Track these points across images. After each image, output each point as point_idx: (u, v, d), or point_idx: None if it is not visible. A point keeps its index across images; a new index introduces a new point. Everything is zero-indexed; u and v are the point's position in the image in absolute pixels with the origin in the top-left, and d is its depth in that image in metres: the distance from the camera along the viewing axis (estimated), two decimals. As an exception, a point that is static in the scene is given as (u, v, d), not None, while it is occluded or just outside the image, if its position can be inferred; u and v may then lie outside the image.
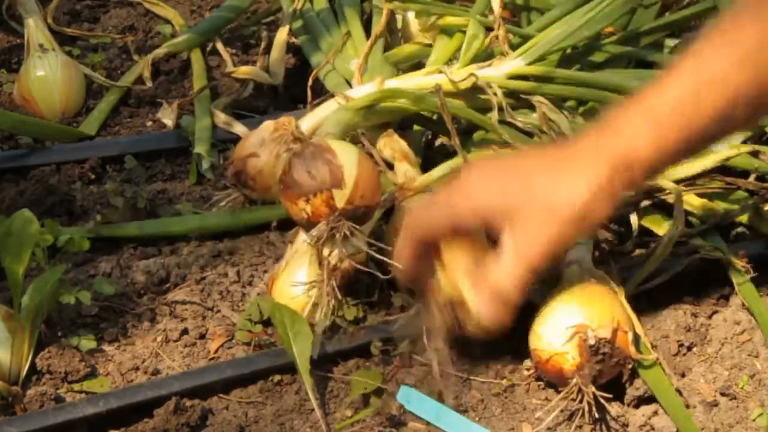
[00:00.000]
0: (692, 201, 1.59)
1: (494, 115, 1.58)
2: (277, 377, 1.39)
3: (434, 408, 1.34)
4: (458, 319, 1.28)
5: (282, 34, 1.96)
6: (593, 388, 1.30)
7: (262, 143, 1.58)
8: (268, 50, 2.00)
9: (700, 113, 1.16)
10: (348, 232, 1.34)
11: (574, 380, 1.31)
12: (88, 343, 1.41)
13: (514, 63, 1.66)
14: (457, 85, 1.62)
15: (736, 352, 1.44)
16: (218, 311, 1.49)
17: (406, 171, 1.55)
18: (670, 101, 1.17)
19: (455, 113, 1.57)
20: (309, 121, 1.63)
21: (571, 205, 1.18)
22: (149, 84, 1.93)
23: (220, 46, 2.03)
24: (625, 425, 1.34)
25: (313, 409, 1.34)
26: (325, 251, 1.35)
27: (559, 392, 1.35)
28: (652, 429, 1.34)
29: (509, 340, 1.43)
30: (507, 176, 1.21)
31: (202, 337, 1.45)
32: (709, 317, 1.49)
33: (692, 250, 1.52)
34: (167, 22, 2.15)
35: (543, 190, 1.18)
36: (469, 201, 1.22)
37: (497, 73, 1.65)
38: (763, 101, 1.17)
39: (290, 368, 1.38)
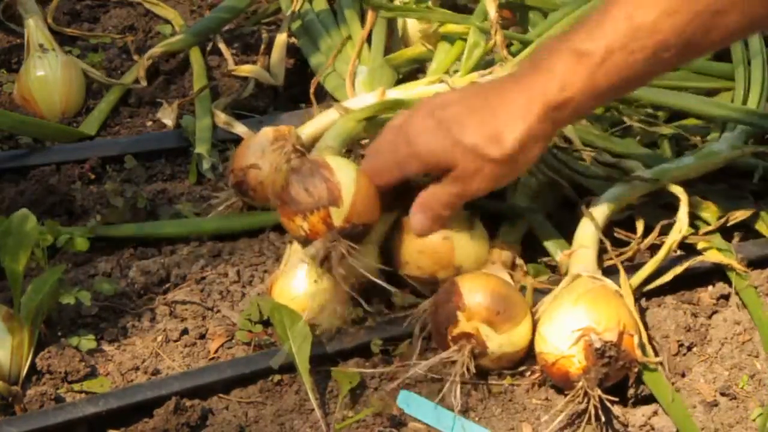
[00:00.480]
0: (697, 204, 1.59)
1: None
2: (277, 377, 1.39)
3: (434, 411, 1.34)
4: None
5: (282, 36, 1.96)
6: (599, 392, 1.30)
7: (262, 153, 1.58)
8: (268, 51, 2.00)
9: (631, 60, 1.22)
10: (345, 251, 1.34)
11: (580, 383, 1.31)
12: (88, 343, 1.41)
13: None
14: None
15: (736, 352, 1.44)
16: (218, 311, 1.49)
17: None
18: (602, 48, 1.23)
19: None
20: (309, 129, 1.63)
21: (501, 152, 1.29)
22: (144, 83, 1.93)
23: (222, 45, 2.03)
24: (625, 425, 1.34)
25: (313, 409, 1.34)
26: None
27: (561, 394, 1.36)
28: (652, 429, 1.34)
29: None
30: (443, 130, 1.31)
31: (202, 337, 1.45)
32: (709, 317, 1.49)
33: (694, 251, 1.53)
34: (167, 22, 2.15)
35: (474, 139, 1.29)
36: (412, 149, 1.33)
37: None
38: (692, 46, 1.23)
39: (290, 368, 1.38)
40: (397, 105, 1.58)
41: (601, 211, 1.49)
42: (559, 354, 1.32)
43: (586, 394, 1.30)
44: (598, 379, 1.30)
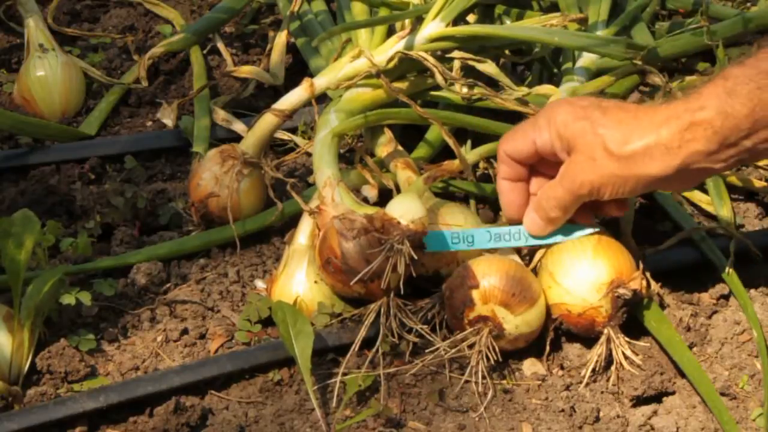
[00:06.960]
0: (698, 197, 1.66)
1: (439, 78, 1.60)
2: (277, 377, 1.39)
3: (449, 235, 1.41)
4: None
5: (282, 37, 1.96)
6: (623, 338, 1.38)
7: (216, 180, 1.59)
8: (269, 51, 1.99)
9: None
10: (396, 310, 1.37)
11: (605, 331, 1.38)
12: (88, 343, 1.41)
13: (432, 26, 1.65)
14: (382, 64, 1.62)
15: (736, 352, 1.44)
16: (218, 311, 1.49)
17: (408, 177, 1.56)
18: (741, 75, 1.25)
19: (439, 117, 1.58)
20: (250, 139, 1.65)
21: (623, 148, 1.30)
22: (145, 83, 1.93)
23: (221, 45, 2.03)
24: (626, 425, 1.34)
25: (313, 409, 1.34)
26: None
27: (558, 393, 1.36)
28: (652, 429, 1.34)
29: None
30: (582, 115, 1.34)
31: (202, 337, 1.45)
32: (709, 317, 1.49)
33: (693, 244, 1.56)
34: (167, 22, 2.15)
35: (605, 130, 1.31)
36: (550, 126, 1.36)
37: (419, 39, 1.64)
38: None
39: (290, 366, 1.38)
40: (383, 116, 1.59)
41: None
42: (588, 305, 1.37)
43: (609, 340, 1.38)
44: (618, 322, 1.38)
